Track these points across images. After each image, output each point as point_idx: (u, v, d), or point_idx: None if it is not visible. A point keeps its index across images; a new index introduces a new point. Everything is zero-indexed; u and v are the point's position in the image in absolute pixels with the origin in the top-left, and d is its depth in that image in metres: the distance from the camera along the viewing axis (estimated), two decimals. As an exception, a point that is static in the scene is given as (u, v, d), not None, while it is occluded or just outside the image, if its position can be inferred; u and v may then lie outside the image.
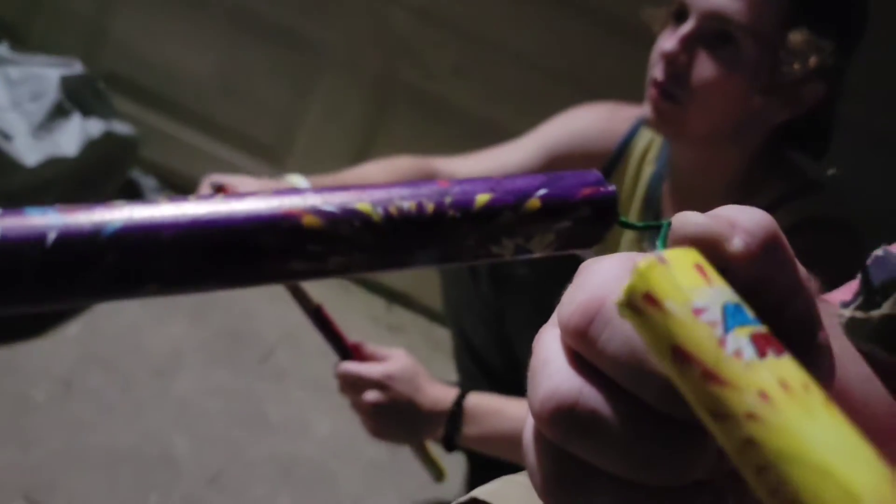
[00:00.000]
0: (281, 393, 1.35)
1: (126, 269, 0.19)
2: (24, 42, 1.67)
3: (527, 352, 0.23)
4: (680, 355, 0.19)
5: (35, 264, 0.18)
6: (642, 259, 0.20)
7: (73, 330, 1.33)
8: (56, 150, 1.25)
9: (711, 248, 0.21)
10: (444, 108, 1.58)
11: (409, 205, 0.20)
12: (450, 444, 0.95)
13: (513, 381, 1.11)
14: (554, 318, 0.23)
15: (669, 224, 0.23)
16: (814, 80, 0.87)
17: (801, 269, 0.23)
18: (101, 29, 1.72)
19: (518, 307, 1.13)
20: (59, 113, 1.30)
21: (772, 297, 0.22)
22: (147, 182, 1.67)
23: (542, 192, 0.22)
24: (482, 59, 1.54)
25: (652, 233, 0.23)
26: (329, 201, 0.20)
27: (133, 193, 1.64)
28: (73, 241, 0.19)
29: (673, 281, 0.19)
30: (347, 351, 0.94)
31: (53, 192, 1.30)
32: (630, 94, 1.12)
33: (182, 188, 1.71)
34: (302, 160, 1.66)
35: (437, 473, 1.03)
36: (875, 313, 0.22)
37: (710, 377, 0.18)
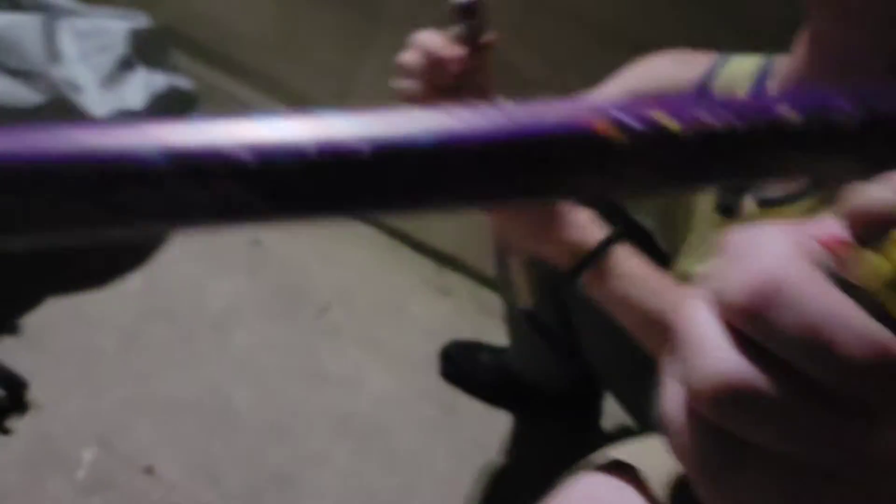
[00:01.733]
0: (337, 349, 1.37)
1: (424, 185, 0.20)
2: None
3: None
4: None
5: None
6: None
7: (134, 283, 1.35)
8: (123, 103, 1.25)
9: None
10: (501, 68, 1.56)
11: (712, 120, 0.20)
12: (572, 280, 0.78)
13: (565, 337, 1.11)
14: (701, 292, 0.22)
15: None
16: None
17: None
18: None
19: None
20: (125, 66, 1.30)
21: None
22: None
23: (853, 111, 0.20)
24: (543, 20, 1.52)
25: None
26: (629, 111, 0.20)
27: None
28: (391, 152, 0.19)
29: None
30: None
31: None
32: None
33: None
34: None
35: (525, 297, 0.93)
36: None
37: None
